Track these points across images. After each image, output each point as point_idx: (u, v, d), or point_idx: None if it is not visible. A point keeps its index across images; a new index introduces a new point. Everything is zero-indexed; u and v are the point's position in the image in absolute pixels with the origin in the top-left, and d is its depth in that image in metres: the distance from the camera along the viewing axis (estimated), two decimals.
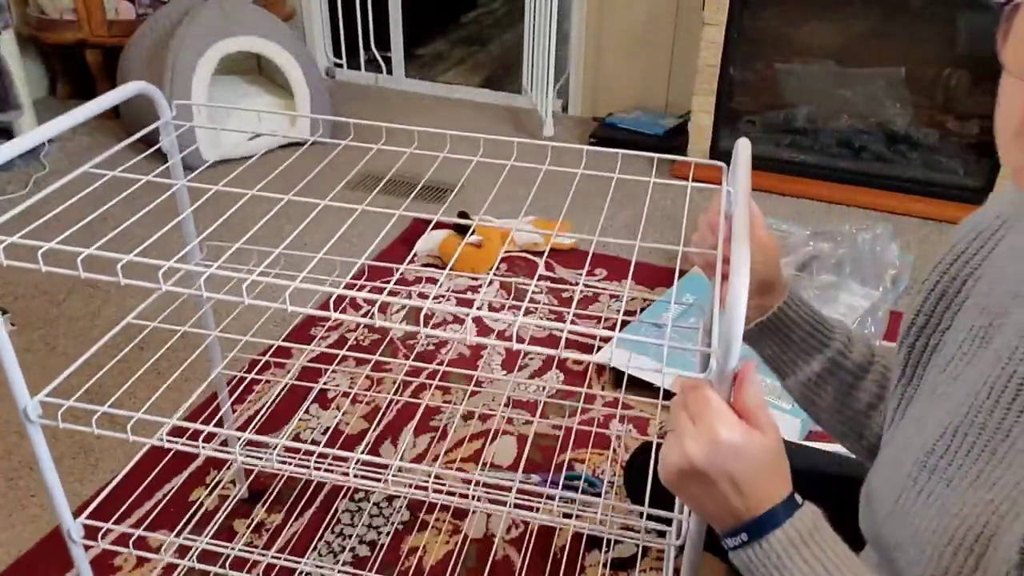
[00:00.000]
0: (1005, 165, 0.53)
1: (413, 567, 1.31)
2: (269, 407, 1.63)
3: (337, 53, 3.68)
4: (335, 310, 0.68)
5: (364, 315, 1.74)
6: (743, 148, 0.73)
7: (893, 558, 0.63)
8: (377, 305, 0.65)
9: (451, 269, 2.12)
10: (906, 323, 0.73)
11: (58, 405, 0.82)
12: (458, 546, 1.35)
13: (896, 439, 0.68)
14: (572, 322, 0.62)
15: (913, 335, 0.72)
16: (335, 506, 1.42)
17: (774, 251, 0.85)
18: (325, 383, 1.69)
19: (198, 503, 1.43)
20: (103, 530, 0.94)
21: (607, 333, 0.60)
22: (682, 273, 2.05)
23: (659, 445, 1.01)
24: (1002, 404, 0.57)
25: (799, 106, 2.72)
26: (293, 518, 1.40)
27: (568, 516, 1.24)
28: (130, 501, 1.38)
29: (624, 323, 1.78)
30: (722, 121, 2.69)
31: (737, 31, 2.56)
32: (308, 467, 0.84)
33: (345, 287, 1.50)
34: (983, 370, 0.60)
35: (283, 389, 1.67)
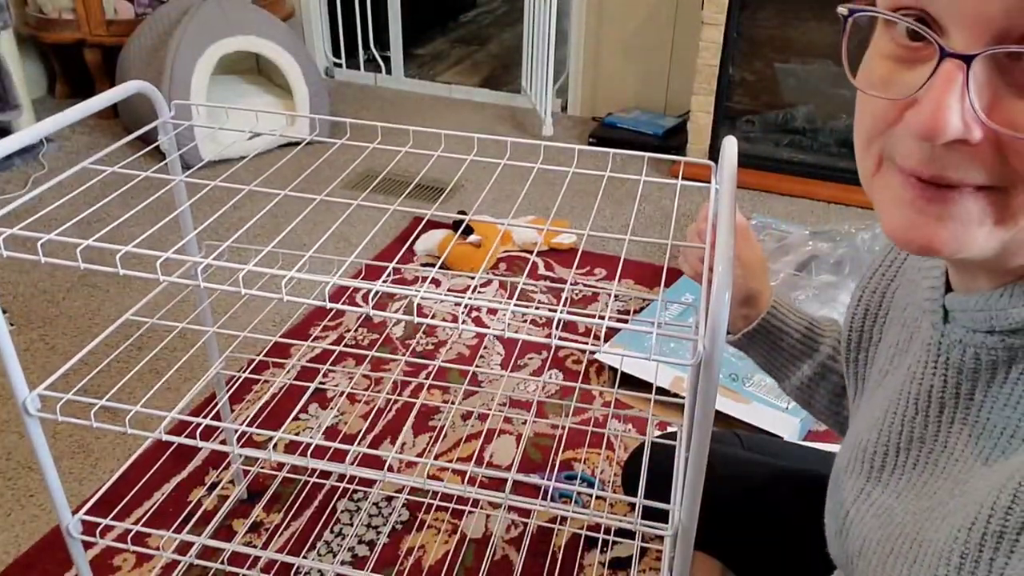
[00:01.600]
0: (859, 173, 0.53)
1: (411, 567, 1.31)
2: (268, 406, 1.63)
3: (336, 53, 3.68)
4: (333, 303, 0.68)
5: (362, 313, 1.74)
6: (729, 146, 0.74)
7: (849, 572, 0.63)
8: (374, 299, 0.65)
9: (451, 269, 2.11)
10: (843, 342, 0.74)
11: (57, 399, 0.82)
12: (456, 546, 1.35)
13: (841, 452, 0.69)
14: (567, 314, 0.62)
15: (852, 351, 0.73)
16: (333, 506, 1.42)
17: (759, 264, 0.87)
18: (324, 383, 1.69)
19: (197, 503, 1.43)
20: (101, 526, 0.94)
21: (598, 323, 0.61)
22: (680, 273, 2.05)
23: (655, 444, 1.02)
24: (932, 418, 0.57)
25: (798, 106, 2.72)
26: (292, 518, 1.40)
27: (565, 515, 1.24)
28: (128, 499, 1.38)
29: (621, 322, 1.78)
30: (721, 121, 2.69)
31: (736, 31, 2.56)
32: (306, 460, 0.84)
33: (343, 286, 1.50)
34: (900, 385, 0.61)
35: (281, 389, 1.67)
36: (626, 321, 1.82)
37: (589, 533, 1.36)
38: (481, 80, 3.72)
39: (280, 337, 1.86)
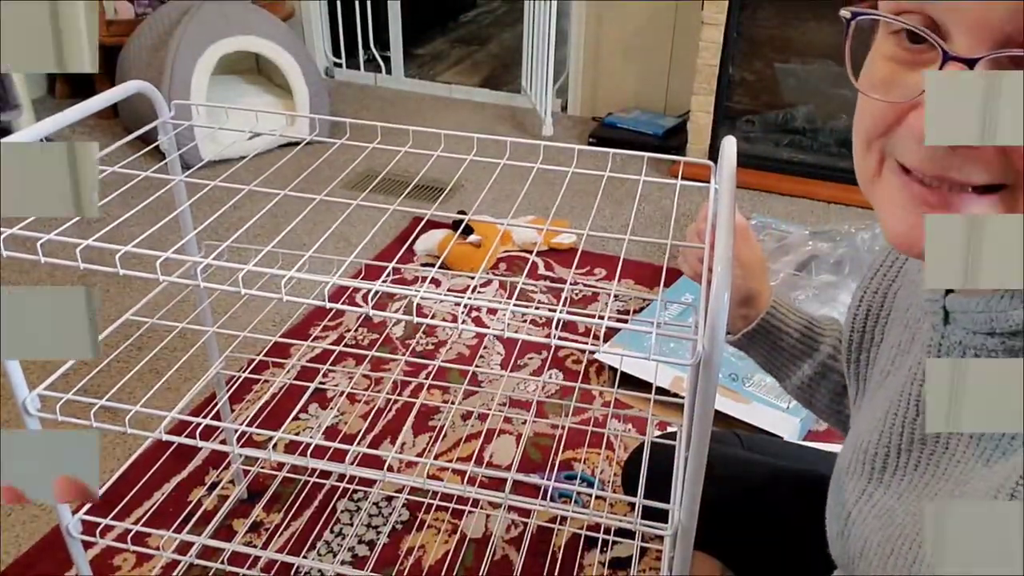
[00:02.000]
0: (858, 175, 0.53)
1: (411, 567, 1.31)
2: (268, 406, 1.63)
3: (336, 53, 3.68)
4: (333, 303, 0.68)
5: (362, 313, 1.74)
6: (729, 145, 0.74)
7: (850, 572, 0.63)
8: (374, 299, 0.65)
9: (451, 269, 2.11)
10: (845, 343, 0.74)
11: (57, 399, 0.82)
12: (456, 546, 1.35)
13: (843, 453, 0.69)
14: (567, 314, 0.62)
15: (854, 352, 0.73)
16: (333, 506, 1.42)
17: (758, 264, 0.87)
18: (324, 383, 1.69)
19: (197, 503, 1.43)
20: (101, 526, 0.94)
21: (598, 323, 0.61)
22: (680, 273, 2.05)
23: (654, 444, 1.02)
24: None
25: (798, 106, 2.72)
26: (292, 517, 1.40)
27: (565, 515, 1.24)
28: (128, 499, 1.37)
29: (620, 322, 1.78)
30: (721, 121, 2.69)
31: (736, 31, 2.56)
32: (306, 460, 0.84)
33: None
34: (901, 386, 0.61)
35: (281, 389, 1.67)
36: (626, 321, 1.82)
37: (589, 533, 1.36)
38: (481, 80, 3.72)
39: (280, 337, 1.86)
